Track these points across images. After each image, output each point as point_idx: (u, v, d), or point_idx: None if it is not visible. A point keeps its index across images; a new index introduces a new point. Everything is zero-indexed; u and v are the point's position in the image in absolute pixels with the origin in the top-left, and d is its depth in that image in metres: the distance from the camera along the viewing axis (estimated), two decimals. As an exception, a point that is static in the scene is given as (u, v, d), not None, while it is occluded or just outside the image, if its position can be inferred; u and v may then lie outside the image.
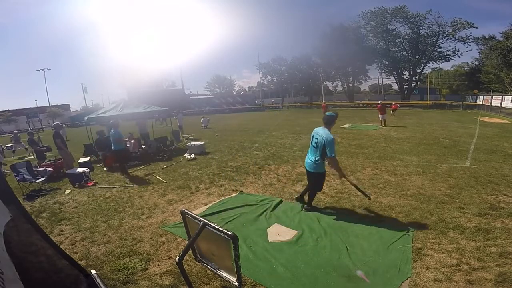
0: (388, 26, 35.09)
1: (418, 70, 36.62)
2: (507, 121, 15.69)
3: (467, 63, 40.32)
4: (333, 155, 3.56)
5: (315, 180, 3.96)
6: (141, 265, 3.05)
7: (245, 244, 3.32)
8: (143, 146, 9.93)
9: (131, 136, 10.17)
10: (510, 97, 20.81)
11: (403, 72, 37.93)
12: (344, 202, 4.44)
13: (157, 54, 76.81)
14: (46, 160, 8.70)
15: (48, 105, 43.19)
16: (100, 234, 3.87)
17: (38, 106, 44.69)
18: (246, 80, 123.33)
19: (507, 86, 27.99)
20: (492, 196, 4.36)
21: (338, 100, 42.68)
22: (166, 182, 6.19)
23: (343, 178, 3.91)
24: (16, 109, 42.80)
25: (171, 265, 2.99)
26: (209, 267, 2.59)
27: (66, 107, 48.50)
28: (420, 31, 33.79)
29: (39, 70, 42.41)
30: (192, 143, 9.48)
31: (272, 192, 5.15)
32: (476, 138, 9.95)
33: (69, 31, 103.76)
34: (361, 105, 34.13)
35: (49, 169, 7.11)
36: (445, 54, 33.90)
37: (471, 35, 31.59)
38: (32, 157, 11.21)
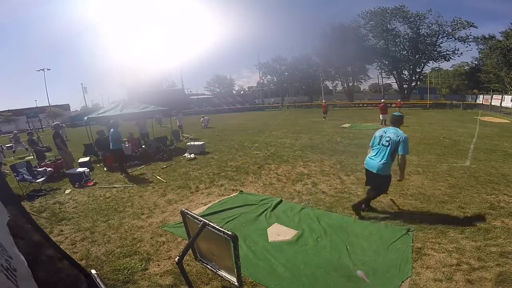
0: (388, 25, 35.15)
1: (418, 70, 36.69)
2: (507, 121, 15.69)
3: (467, 62, 40.38)
4: (407, 153, 3.53)
5: (382, 182, 3.73)
6: (141, 265, 3.05)
7: (245, 244, 3.32)
8: (143, 146, 9.93)
9: (131, 136, 10.17)
10: (510, 96, 20.79)
11: (403, 72, 38.02)
12: (344, 202, 4.44)
13: (157, 54, 76.79)
14: (46, 160, 8.70)
15: (48, 105, 43.17)
16: (100, 234, 3.87)
17: (38, 106, 44.67)
18: (246, 80, 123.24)
19: (507, 86, 27.99)
20: (492, 196, 4.35)
21: (338, 100, 42.65)
22: (166, 182, 6.19)
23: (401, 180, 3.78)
24: (16, 109, 42.75)
25: (171, 265, 2.99)
26: (209, 267, 2.59)
27: (66, 107, 48.45)
28: (420, 30, 33.86)
29: (39, 70, 42.27)
30: (192, 143, 9.47)
31: (272, 192, 5.15)
32: (476, 137, 9.94)
33: (69, 31, 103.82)
34: (361, 105, 34.13)
35: (49, 169, 7.11)
36: (445, 53, 34.00)
37: (471, 35, 31.69)
38: (32, 157, 11.20)
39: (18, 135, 13.86)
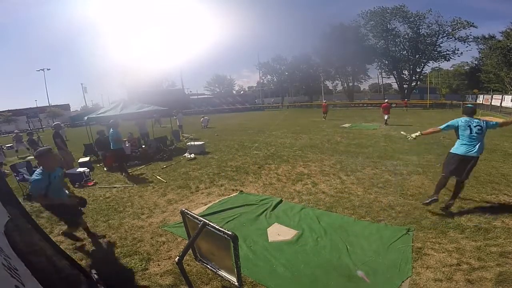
0: (388, 25, 35.16)
1: (418, 70, 36.71)
2: (507, 121, 15.66)
3: (467, 62, 40.43)
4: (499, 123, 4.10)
5: (475, 163, 4.08)
6: (141, 265, 3.05)
7: (245, 243, 3.32)
8: (143, 146, 9.93)
9: (131, 136, 10.17)
10: (510, 96, 20.82)
11: (403, 72, 38.03)
12: (344, 202, 4.44)
13: (157, 54, 76.87)
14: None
15: (48, 105, 43.14)
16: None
17: (38, 106, 44.69)
18: (246, 80, 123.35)
19: (507, 86, 28.00)
20: (492, 196, 4.36)
21: (338, 100, 42.65)
22: (166, 182, 6.19)
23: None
24: (16, 109, 42.78)
25: (171, 265, 2.99)
26: (209, 267, 2.59)
27: (66, 107, 48.47)
28: (420, 30, 33.87)
29: (39, 70, 42.13)
30: (192, 143, 9.47)
31: (272, 192, 5.14)
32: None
33: (69, 31, 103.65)
34: (361, 105, 34.13)
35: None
36: (445, 53, 34.00)
37: (471, 35, 31.70)
38: (33, 157, 11.20)
39: (20, 134, 13.89)
